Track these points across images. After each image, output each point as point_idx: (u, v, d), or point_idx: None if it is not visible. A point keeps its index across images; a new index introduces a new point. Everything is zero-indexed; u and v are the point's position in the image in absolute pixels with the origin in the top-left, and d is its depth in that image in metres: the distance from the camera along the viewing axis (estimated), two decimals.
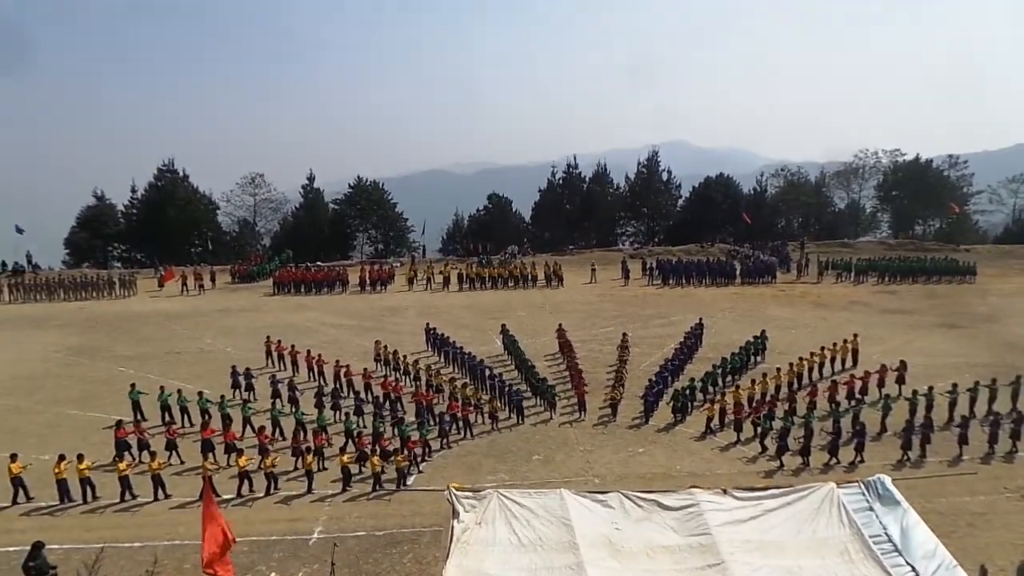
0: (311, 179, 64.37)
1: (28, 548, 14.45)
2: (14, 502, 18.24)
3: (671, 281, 45.27)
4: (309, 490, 18.77)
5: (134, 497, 18.34)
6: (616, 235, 66.14)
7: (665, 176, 67.19)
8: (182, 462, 20.25)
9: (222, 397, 23.04)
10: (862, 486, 11.95)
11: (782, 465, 19.92)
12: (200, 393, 23.41)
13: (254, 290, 45.57)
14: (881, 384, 24.50)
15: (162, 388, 23.60)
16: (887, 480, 12.00)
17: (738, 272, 46.06)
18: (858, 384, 24.09)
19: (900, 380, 24.86)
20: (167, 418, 22.70)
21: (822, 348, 27.35)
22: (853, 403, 22.92)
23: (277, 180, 69.25)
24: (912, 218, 67.21)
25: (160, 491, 18.45)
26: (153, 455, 18.94)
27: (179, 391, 23.65)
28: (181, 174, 61.95)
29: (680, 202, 67.25)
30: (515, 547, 10.86)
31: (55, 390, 26.82)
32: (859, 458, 20.06)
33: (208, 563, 12.82)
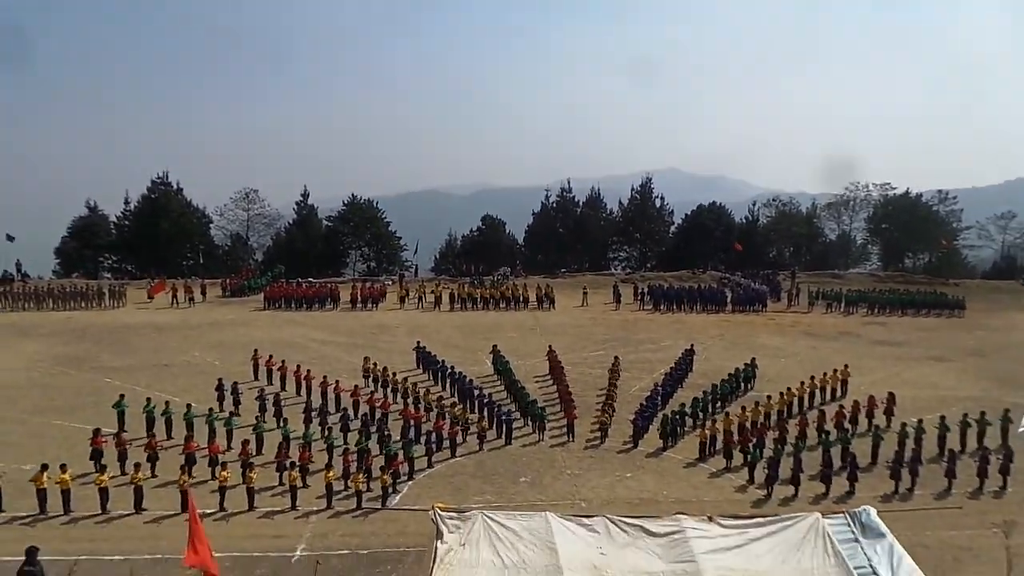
0: (305, 195, 64.46)
1: (9, 558, 14.24)
2: None
3: (662, 306, 45.43)
4: (293, 506, 18.60)
5: (105, 511, 18.08)
6: (608, 259, 66.33)
7: (658, 203, 67.61)
8: (155, 475, 19.93)
9: (210, 410, 22.88)
10: (848, 517, 11.92)
11: (770, 495, 19.88)
12: (189, 406, 23.23)
13: (245, 304, 45.41)
14: (870, 415, 24.58)
15: (148, 400, 23.43)
16: (872, 512, 11.98)
17: (729, 300, 46.25)
18: (847, 415, 24.15)
19: (888, 412, 24.92)
20: (151, 430, 22.49)
21: (812, 378, 27.41)
22: (841, 434, 22.98)
23: (271, 195, 69.38)
24: (902, 251, 67.78)
25: (140, 503, 18.23)
26: (137, 467, 18.77)
27: (167, 403, 23.49)
28: (175, 187, 61.94)
29: (673, 229, 67.62)
30: (499, 569, 10.77)
31: (40, 400, 26.54)
32: (852, 488, 20.02)
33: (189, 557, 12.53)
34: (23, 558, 13.71)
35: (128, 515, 18.12)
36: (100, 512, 18.06)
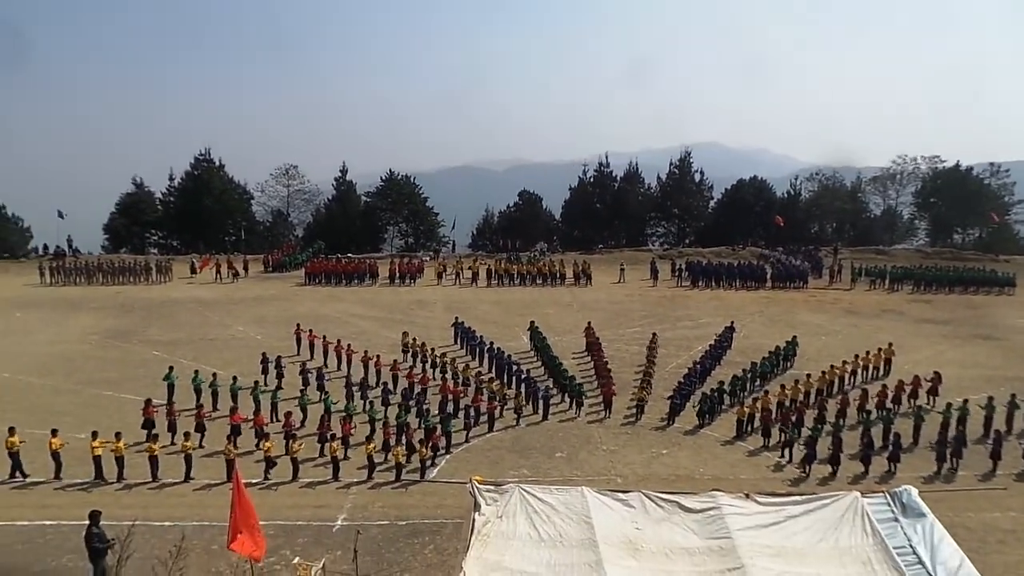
0: (344, 171, 65.01)
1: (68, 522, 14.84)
2: (56, 476, 18.78)
3: (700, 283, 44.99)
4: (335, 477, 19.05)
5: (156, 479, 18.78)
6: (646, 235, 65.74)
7: (697, 177, 66.63)
8: (203, 446, 20.63)
9: (256, 383, 23.47)
10: (888, 496, 11.78)
11: (808, 474, 19.73)
12: (235, 378, 23.88)
13: (286, 280, 46.22)
14: (914, 395, 24.15)
15: (196, 372, 24.16)
16: (913, 491, 11.82)
17: (769, 276, 45.59)
18: (890, 394, 23.76)
19: (933, 392, 24.46)
20: (199, 401, 23.18)
21: (855, 356, 26.99)
22: (883, 413, 22.65)
23: (310, 172, 70.23)
24: (950, 226, 65.82)
25: (189, 472, 18.89)
26: (187, 436, 19.43)
27: (214, 375, 24.18)
28: (217, 164, 62.94)
29: (712, 204, 66.64)
30: (535, 542, 10.92)
31: (91, 371, 27.52)
32: (892, 469, 19.77)
33: (234, 541, 13.03)
34: (85, 522, 14.37)
35: (177, 483, 18.78)
36: (151, 480, 18.77)
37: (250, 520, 13.17)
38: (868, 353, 27.43)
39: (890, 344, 28.28)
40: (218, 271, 45.90)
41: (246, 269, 47.38)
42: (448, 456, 20.58)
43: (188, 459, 18.95)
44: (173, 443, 20.35)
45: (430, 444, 19.88)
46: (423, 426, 20.79)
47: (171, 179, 62.48)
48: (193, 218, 59.60)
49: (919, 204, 67.44)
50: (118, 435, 18.93)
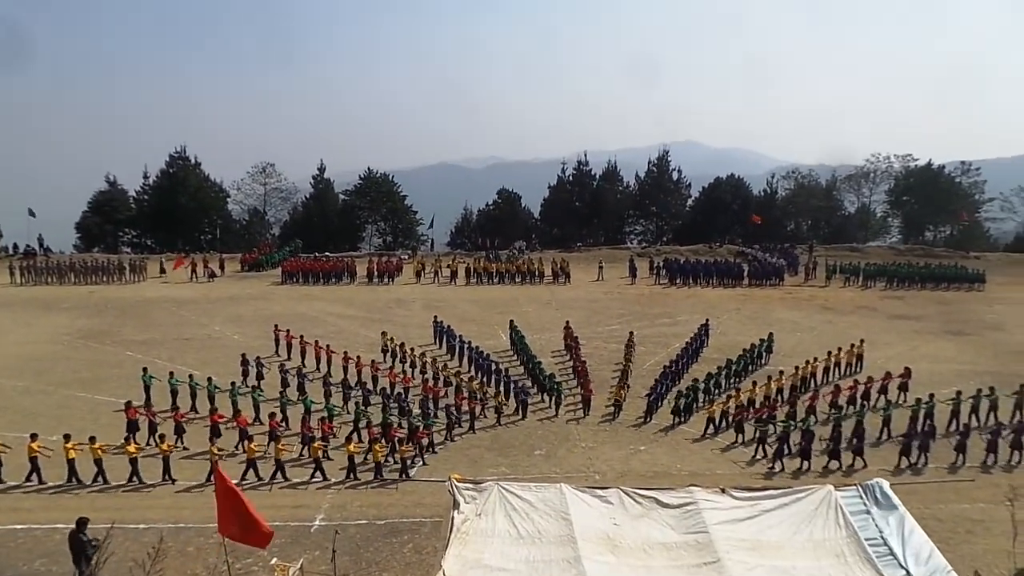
0: (321, 169, 64.63)
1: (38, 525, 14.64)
2: (28, 480, 18.45)
3: (678, 281, 45.34)
4: (324, 477, 18.88)
5: (141, 481, 18.58)
6: (624, 233, 66.09)
7: (675, 176, 67.10)
8: (186, 448, 20.44)
9: (233, 384, 23.25)
10: (860, 490, 12.01)
11: (783, 468, 19.98)
12: (209, 379, 23.65)
13: (263, 279, 45.84)
14: (884, 391, 24.54)
15: (171, 373, 23.89)
16: (885, 484, 12.06)
17: (746, 273, 46.07)
18: (861, 389, 24.12)
19: (903, 387, 24.84)
20: (175, 403, 22.92)
21: (828, 353, 27.34)
22: (855, 408, 23.00)
23: (288, 170, 69.71)
24: (923, 224, 66.97)
25: (167, 474, 18.69)
26: (163, 438, 19.22)
27: (191, 376, 23.93)
28: (193, 161, 62.22)
29: (689, 202, 67.17)
30: (514, 539, 10.98)
31: (64, 372, 27.11)
32: (861, 463, 20.09)
33: (233, 533, 12.89)
34: (57, 526, 14.21)
35: (154, 485, 18.58)
36: (128, 482, 18.54)
37: (245, 510, 13.03)
38: (840, 350, 27.80)
39: (861, 340, 28.69)
40: (194, 270, 45.39)
41: (222, 268, 46.93)
42: (427, 455, 20.54)
43: (166, 461, 18.76)
44: (149, 444, 20.14)
45: (413, 443, 19.84)
46: (404, 425, 20.76)
47: (145, 177, 61.71)
48: (168, 216, 58.86)
49: (892, 202, 68.58)
50: (92, 439, 18.63)
